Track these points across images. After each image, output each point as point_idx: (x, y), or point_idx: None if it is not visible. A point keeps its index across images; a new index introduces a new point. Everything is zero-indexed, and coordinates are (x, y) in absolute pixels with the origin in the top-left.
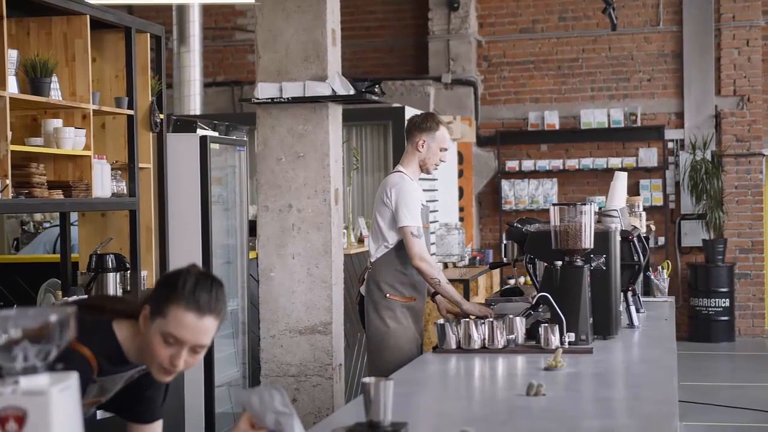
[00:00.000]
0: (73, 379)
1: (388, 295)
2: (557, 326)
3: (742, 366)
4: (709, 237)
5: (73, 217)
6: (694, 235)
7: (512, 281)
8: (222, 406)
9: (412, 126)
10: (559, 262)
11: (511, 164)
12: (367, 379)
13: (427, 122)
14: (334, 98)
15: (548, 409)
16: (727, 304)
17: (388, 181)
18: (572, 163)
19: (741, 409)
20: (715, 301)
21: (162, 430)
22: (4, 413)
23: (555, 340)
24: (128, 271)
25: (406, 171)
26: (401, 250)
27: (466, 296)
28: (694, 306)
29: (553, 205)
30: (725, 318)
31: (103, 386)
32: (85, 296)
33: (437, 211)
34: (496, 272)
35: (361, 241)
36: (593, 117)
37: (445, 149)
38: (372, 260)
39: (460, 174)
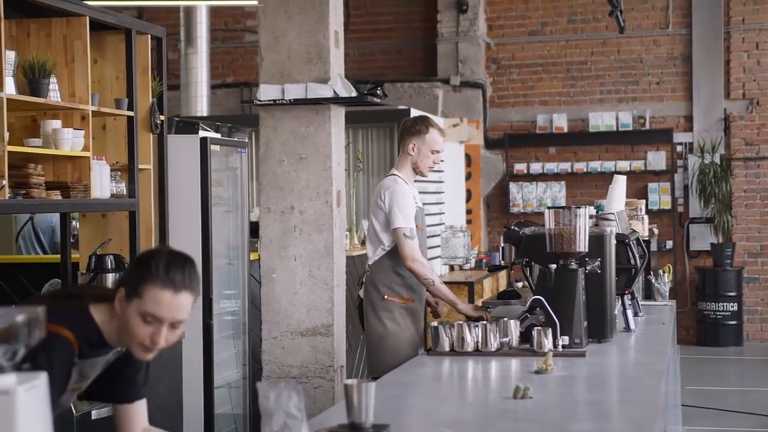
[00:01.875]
0: (40, 379)
1: (386, 296)
2: (551, 329)
3: (750, 370)
4: (717, 241)
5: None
6: (702, 238)
7: (520, 284)
8: (222, 408)
9: (403, 130)
10: (554, 266)
11: (519, 167)
12: (348, 381)
13: (416, 125)
14: (336, 100)
15: (533, 412)
16: (735, 308)
17: (382, 184)
18: (580, 166)
19: (747, 414)
20: (723, 305)
21: (146, 410)
22: None
23: (548, 344)
24: None
25: (401, 174)
26: (397, 251)
27: (470, 299)
28: (702, 310)
29: (548, 208)
30: (733, 322)
31: (82, 370)
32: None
33: (444, 213)
34: (503, 275)
35: (364, 243)
36: (602, 120)
37: (437, 152)
38: (369, 263)
39: (468, 176)
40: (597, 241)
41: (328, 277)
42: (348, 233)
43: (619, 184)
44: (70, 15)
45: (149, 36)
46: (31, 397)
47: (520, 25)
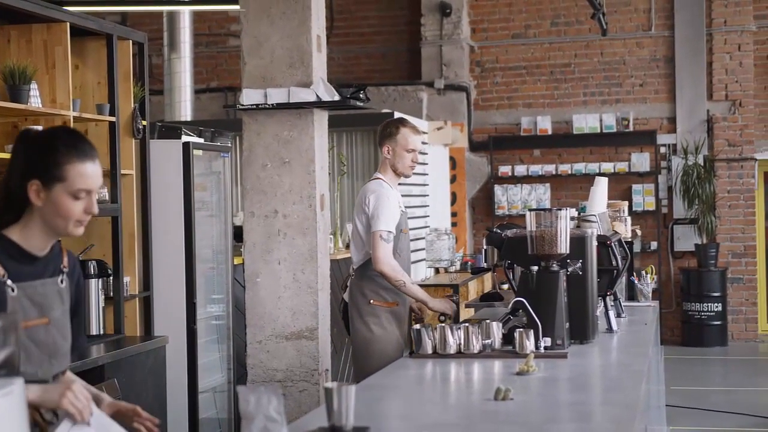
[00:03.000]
0: (17, 384)
1: (372, 301)
2: (533, 331)
3: (735, 370)
4: (701, 241)
5: None
6: (686, 239)
7: (506, 286)
8: (206, 412)
9: (378, 135)
10: (535, 267)
11: (504, 169)
12: (329, 385)
13: (387, 128)
14: (319, 104)
15: (514, 413)
16: (720, 308)
17: (367, 188)
18: (565, 168)
19: (732, 414)
20: (708, 306)
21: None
22: None
23: (530, 345)
24: (110, 278)
25: (384, 177)
26: None
27: (456, 302)
28: (686, 310)
29: (530, 210)
30: (718, 322)
31: (32, 298)
32: None
33: (428, 216)
34: (488, 277)
35: (348, 246)
36: (585, 122)
37: (412, 150)
38: (355, 267)
39: (453, 179)
40: (578, 242)
41: (312, 280)
42: (332, 237)
43: (601, 185)
44: (51, 21)
45: (131, 41)
46: (7, 403)
47: (503, 28)
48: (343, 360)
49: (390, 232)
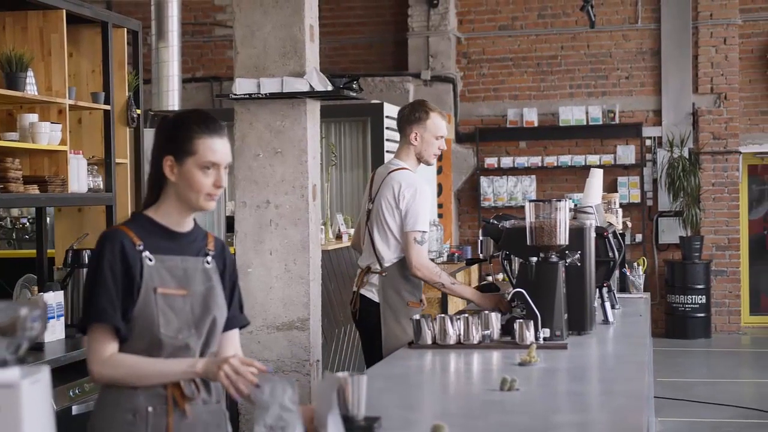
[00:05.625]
0: (44, 372)
1: (409, 303)
2: (532, 322)
3: (718, 362)
4: (686, 234)
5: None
6: (671, 232)
7: (490, 277)
8: None
9: (401, 119)
10: (534, 259)
11: (490, 161)
12: (341, 374)
13: (415, 113)
14: (312, 94)
15: (521, 404)
16: (704, 300)
17: (399, 180)
18: (551, 160)
19: (716, 405)
20: (692, 298)
21: (238, 340)
22: None
23: (530, 336)
24: None
25: (409, 166)
26: None
27: (444, 293)
28: (670, 303)
29: (529, 201)
30: (701, 314)
31: (171, 270)
32: None
33: None
34: (474, 268)
35: (339, 237)
36: (572, 114)
37: (441, 137)
38: (385, 264)
39: (439, 171)
40: (577, 234)
41: (304, 271)
42: (323, 228)
43: (597, 177)
44: (47, 8)
45: (125, 29)
46: (35, 391)
47: (490, 19)
48: (333, 351)
49: (424, 232)
